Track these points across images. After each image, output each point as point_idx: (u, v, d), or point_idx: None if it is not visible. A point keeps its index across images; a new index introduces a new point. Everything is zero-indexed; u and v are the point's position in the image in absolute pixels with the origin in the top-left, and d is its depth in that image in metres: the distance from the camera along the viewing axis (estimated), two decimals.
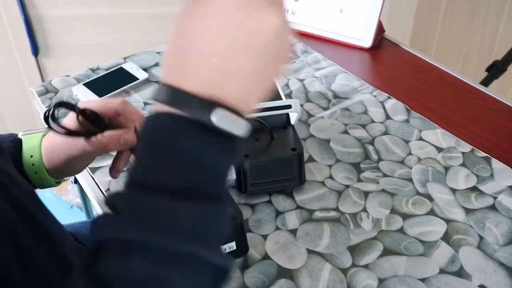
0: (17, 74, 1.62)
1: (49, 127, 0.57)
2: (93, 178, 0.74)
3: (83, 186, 0.76)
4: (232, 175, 0.64)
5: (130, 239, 0.35)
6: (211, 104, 0.35)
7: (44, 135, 0.63)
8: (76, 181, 0.80)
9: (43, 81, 1.62)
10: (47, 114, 0.57)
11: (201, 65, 0.36)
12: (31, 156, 0.61)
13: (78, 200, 1.80)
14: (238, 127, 0.36)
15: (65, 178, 0.68)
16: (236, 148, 0.37)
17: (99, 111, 0.60)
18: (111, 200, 0.37)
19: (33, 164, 0.61)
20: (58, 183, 0.64)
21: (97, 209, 0.73)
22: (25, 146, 0.62)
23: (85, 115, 0.59)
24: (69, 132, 0.58)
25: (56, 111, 0.57)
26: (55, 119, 0.57)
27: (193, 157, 0.36)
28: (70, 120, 0.60)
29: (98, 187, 0.73)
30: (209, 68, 0.36)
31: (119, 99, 0.62)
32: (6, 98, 1.68)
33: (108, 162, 0.73)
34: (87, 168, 0.75)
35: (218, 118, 0.35)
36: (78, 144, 0.60)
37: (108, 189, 0.72)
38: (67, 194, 1.89)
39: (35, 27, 1.54)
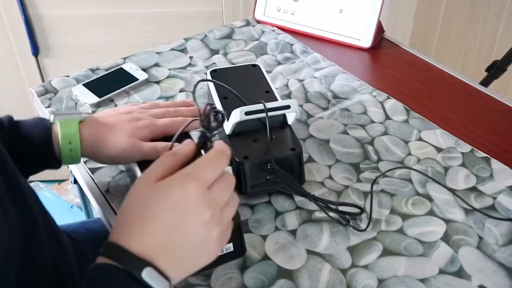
0: (17, 74, 1.62)
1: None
2: (93, 179, 0.74)
3: (82, 187, 0.76)
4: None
5: None
6: (144, 263, 0.44)
7: (80, 121, 0.66)
8: (76, 181, 0.80)
9: (43, 81, 1.62)
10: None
11: (146, 234, 0.45)
12: (70, 143, 0.64)
13: (78, 200, 1.80)
14: (160, 286, 0.44)
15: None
16: None
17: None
18: None
19: (70, 150, 0.65)
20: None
21: (96, 210, 0.73)
22: (63, 132, 0.64)
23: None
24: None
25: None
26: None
27: None
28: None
29: (98, 187, 0.73)
30: (151, 239, 0.45)
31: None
32: (6, 98, 1.68)
33: None
34: (86, 168, 0.75)
35: (146, 275, 0.43)
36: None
37: (108, 189, 0.72)
38: (67, 194, 1.89)
39: (35, 27, 1.54)
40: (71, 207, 1.86)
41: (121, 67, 0.95)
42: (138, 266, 0.43)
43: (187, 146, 0.51)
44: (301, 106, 0.87)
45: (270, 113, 0.70)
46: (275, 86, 0.91)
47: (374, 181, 0.73)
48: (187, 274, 0.48)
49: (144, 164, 0.66)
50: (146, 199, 0.46)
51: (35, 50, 1.57)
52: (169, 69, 0.96)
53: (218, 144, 0.50)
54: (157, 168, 0.48)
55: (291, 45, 1.03)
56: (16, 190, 0.49)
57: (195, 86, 0.63)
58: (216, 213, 0.47)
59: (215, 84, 0.79)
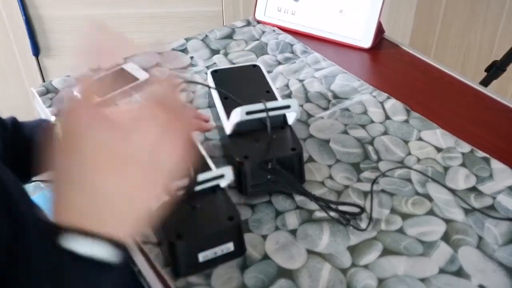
0: (17, 74, 1.62)
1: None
2: None
3: None
4: (232, 176, 0.64)
5: None
6: (60, 229, 0.40)
7: None
8: None
9: (43, 81, 1.62)
10: None
11: (66, 205, 0.42)
12: None
13: None
14: (92, 249, 0.40)
15: None
16: (106, 269, 0.40)
17: None
18: None
19: None
20: None
21: None
22: None
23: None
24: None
25: None
26: None
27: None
28: None
29: None
30: (72, 207, 0.41)
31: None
32: (6, 98, 1.68)
33: None
34: None
35: (67, 241, 0.39)
36: None
37: None
38: None
39: (36, 27, 1.54)
40: None
41: (122, 67, 0.95)
42: (61, 235, 0.40)
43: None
44: (302, 106, 0.87)
45: (270, 113, 0.70)
46: (276, 86, 0.91)
47: (374, 181, 0.73)
48: (131, 224, 0.43)
49: None
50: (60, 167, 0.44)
51: (36, 50, 1.57)
52: (170, 69, 0.96)
53: None
54: None
55: (292, 45, 1.03)
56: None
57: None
58: (120, 147, 0.42)
59: (215, 84, 0.79)
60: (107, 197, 0.42)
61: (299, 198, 0.71)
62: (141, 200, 0.43)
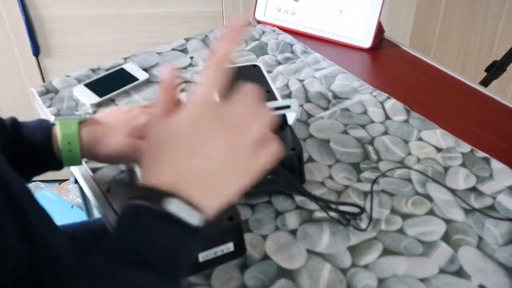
0: (17, 74, 1.62)
1: None
2: (93, 178, 0.74)
3: (82, 187, 0.76)
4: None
5: None
6: (168, 194, 0.43)
7: (80, 122, 0.66)
8: (76, 181, 0.80)
9: (43, 81, 1.62)
10: None
11: (165, 166, 0.45)
12: (69, 143, 0.65)
13: (79, 200, 1.80)
14: (192, 217, 0.43)
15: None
16: (191, 235, 0.44)
17: None
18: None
19: (70, 150, 0.65)
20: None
21: (97, 210, 0.73)
22: (62, 132, 0.65)
23: None
24: None
25: None
26: None
27: (151, 238, 0.43)
28: None
29: (99, 187, 0.73)
30: (171, 168, 0.45)
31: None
32: (6, 98, 1.68)
33: None
34: (87, 168, 0.76)
35: (174, 207, 0.42)
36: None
37: (109, 189, 0.72)
38: (68, 194, 1.89)
39: (36, 27, 1.54)
40: (72, 207, 1.86)
41: (122, 67, 0.95)
42: (162, 198, 0.42)
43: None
44: (302, 106, 0.87)
45: None
46: (276, 86, 0.91)
47: (374, 181, 0.73)
48: (221, 201, 0.46)
49: None
50: (159, 136, 0.46)
51: (36, 51, 1.57)
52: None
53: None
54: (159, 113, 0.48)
55: (292, 45, 1.03)
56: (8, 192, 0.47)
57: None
58: (236, 131, 0.46)
59: None
60: (211, 166, 0.45)
61: (299, 198, 0.71)
62: (236, 183, 0.47)
